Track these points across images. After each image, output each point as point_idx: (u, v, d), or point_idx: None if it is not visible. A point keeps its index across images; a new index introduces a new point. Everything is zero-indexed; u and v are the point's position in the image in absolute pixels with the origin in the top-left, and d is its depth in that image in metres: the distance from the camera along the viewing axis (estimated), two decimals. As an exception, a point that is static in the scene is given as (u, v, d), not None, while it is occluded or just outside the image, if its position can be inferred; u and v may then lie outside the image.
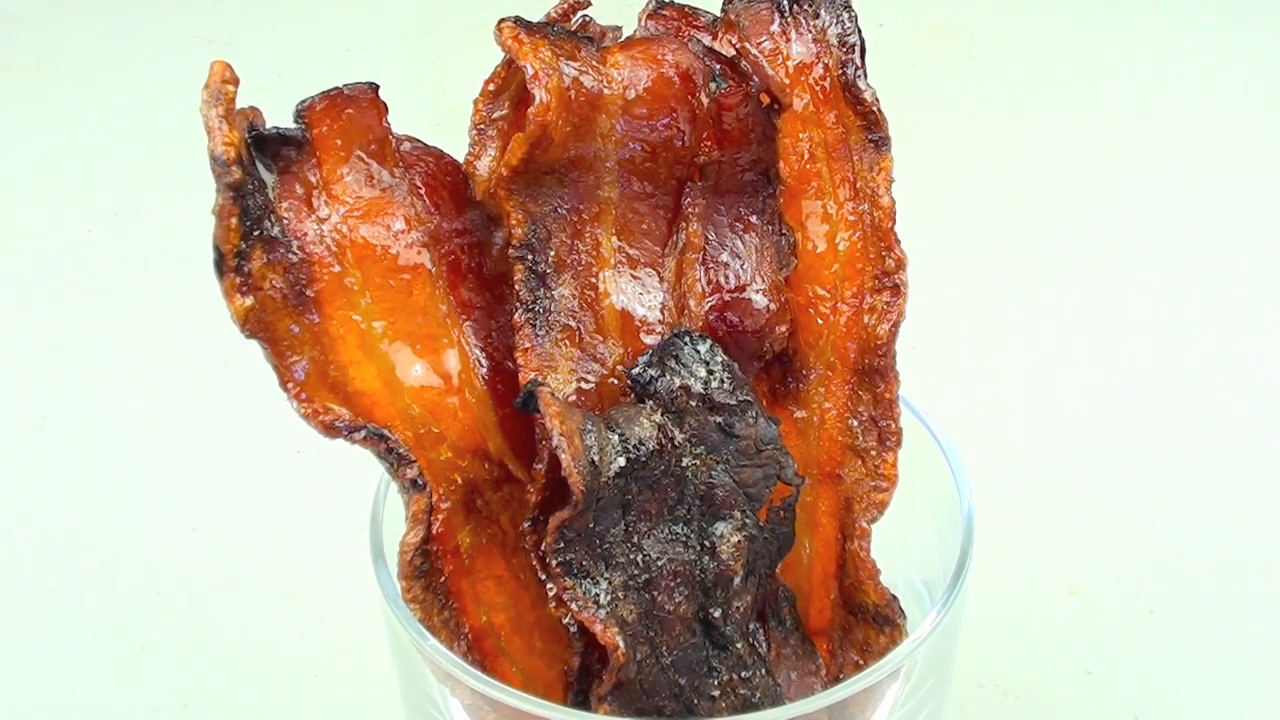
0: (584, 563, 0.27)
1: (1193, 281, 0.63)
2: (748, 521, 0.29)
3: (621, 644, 0.27)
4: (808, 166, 0.31)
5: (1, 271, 0.65)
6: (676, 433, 0.28)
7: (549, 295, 0.29)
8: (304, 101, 0.28)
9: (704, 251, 0.30)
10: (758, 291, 0.30)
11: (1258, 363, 0.58)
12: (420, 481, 0.28)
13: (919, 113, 0.74)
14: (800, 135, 0.31)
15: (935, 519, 0.33)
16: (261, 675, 0.45)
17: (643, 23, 0.31)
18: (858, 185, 0.31)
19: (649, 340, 0.30)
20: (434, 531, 0.29)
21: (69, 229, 0.68)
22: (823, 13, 0.31)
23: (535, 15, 0.29)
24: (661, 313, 0.30)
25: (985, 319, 0.61)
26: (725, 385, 0.29)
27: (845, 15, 0.31)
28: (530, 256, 0.29)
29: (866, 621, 0.33)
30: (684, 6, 0.32)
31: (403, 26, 0.86)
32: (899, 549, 0.34)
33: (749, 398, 0.29)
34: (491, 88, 0.30)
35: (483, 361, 0.30)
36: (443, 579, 0.29)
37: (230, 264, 0.26)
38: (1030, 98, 0.77)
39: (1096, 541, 0.49)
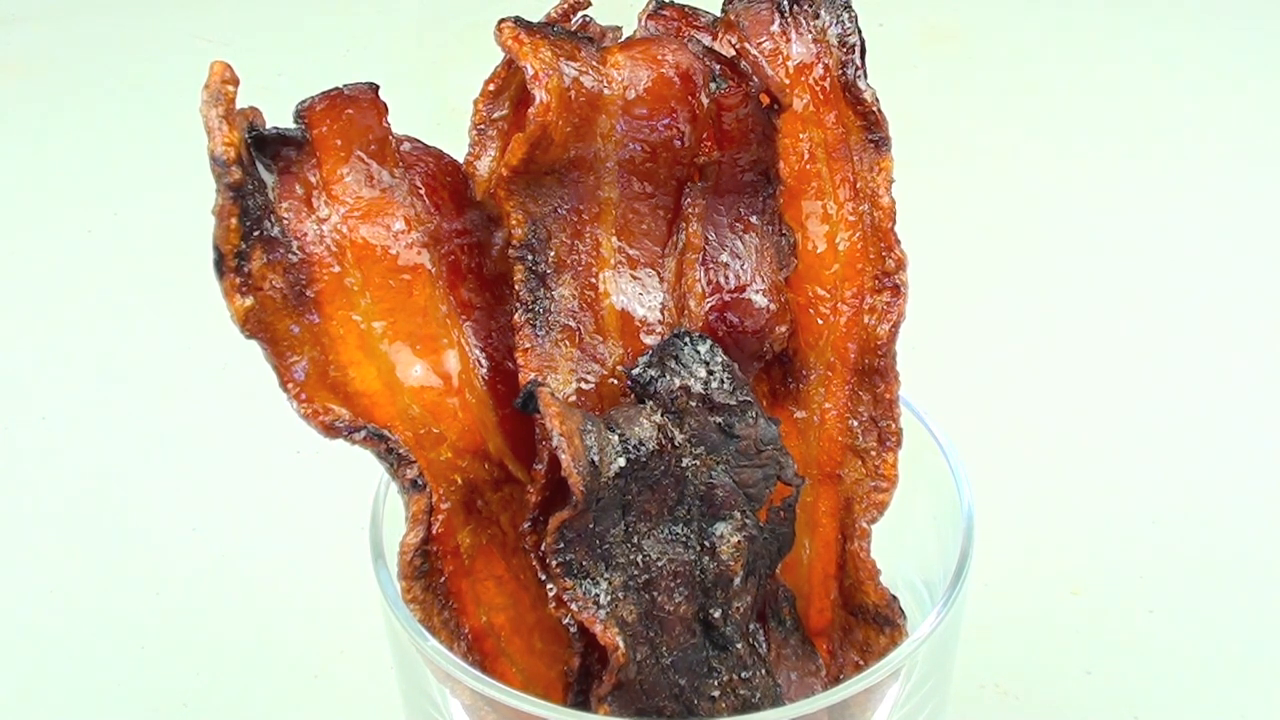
0: (584, 563, 0.27)
1: (1193, 281, 0.63)
2: (748, 522, 0.29)
3: (621, 644, 0.27)
4: (808, 166, 0.31)
5: (1, 271, 0.65)
6: (676, 433, 0.28)
7: (549, 295, 0.29)
8: (304, 101, 0.28)
9: (704, 252, 0.30)
10: (758, 292, 0.30)
11: (1258, 363, 0.58)
12: (420, 482, 0.28)
13: (919, 113, 0.74)
14: (800, 135, 0.31)
15: (935, 519, 0.33)
16: (261, 675, 0.45)
17: (643, 23, 0.31)
18: (858, 185, 0.31)
19: (649, 340, 0.30)
20: (434, 532, 0.29)
21: (69, 229, 0.68)
22: (823, 13, 0.31)
23: (535, 15, 0.29)
24: (661, 313, 0.30)
25: (985, 319, 0.61)
26: (725, 385, 0.29)
27: (845, 15, 0.31)
28: (530, 256, 0.29)
29: (866, 622, 0.33)
30: (684, 6, 0.32)
31: (403, 26, 0.86)
32: (899, 549, 0.34)
33: (749, 398, 0.29)
34: (491, 88, 0.30)
35: (483, 361, 0.30)
36: (443, 579, 0.29)
37: (230, 264, 0.26)
38: (1030, 98, 0.77)
39: (1096, 541, 0.49)
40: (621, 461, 0.27)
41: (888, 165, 0.31)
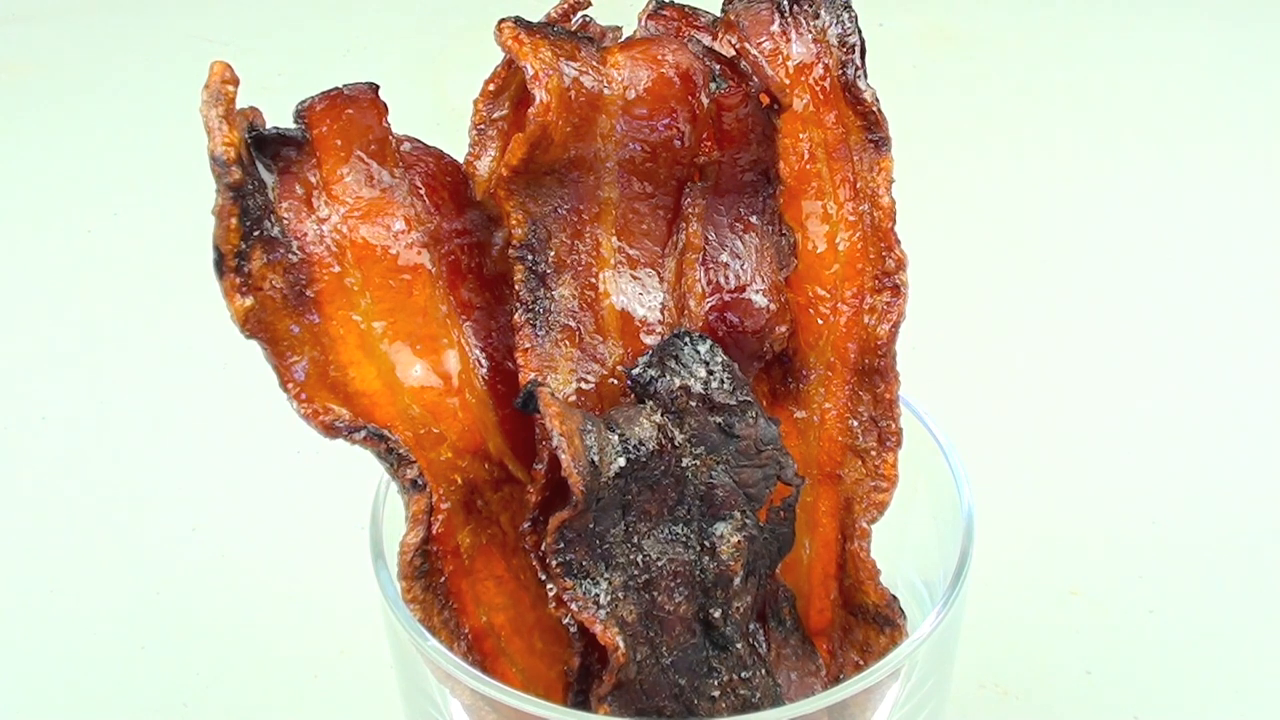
0: (584, 563, 0.27)
1: (1193, 281, 0.63)
2: (748, 522, 0.29)
3: (621, 644, 0.27)
4: (808, 166, 0.31)
5: (1, 271, 0.65)
6: (676, 433, 0.28)
7: (549, 295, 0.29)
8: (304, 101, 0.28)
9: (704, 252, 0.30)
10: (758, 292, 0.30)
11: (1258, 362, 0.58)
12: (420, 482, 0.28)
13: (919, 113, 0.74)
14: (800, 135, 0.31)
15: (935, 519, 0.33)
16: (261, 675, 0.45)
17: (643, 23, 0.31)
18: (858, 185, 0.31)
19: (649, 340, 0.30)
20: (434, 532, 0.29)
21: (69, 229, 0.68)
22: (823, 13, 0.31)
23: (535, 15, 0.29)
24: (661, 313, 0.30)
25: (985, 319, 0.61)
26: (725, 385, 0.29)
27: (845, 15, 0.31)
28: (530, 256, 0.29)
29: (866, 622, 0.33)
30: (684, 6, 0.32)
31: (403, 26, 0.86)
32: (899, 549, 0.34)
33: (749, 398, 0.29)
34: (491, 88, 0.30)
35: (483, 361, 0.30)
36: (443, 579, 0.29)
37: (230, 264, 0.26)
38: (1030, 97, 0.77)
39: (1096, 541, 0.49)
40: (621, 461, 0.27)
41: (888, 165, 0.31)
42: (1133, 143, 0.73)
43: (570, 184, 0.29)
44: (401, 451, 0.28)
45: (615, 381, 0.30)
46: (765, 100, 0.30)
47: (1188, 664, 0.45)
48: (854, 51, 0.31)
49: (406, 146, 0.29)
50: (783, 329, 0.31)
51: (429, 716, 0.31)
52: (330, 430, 0.27)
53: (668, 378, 0.28)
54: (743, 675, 0.29)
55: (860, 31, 0.31)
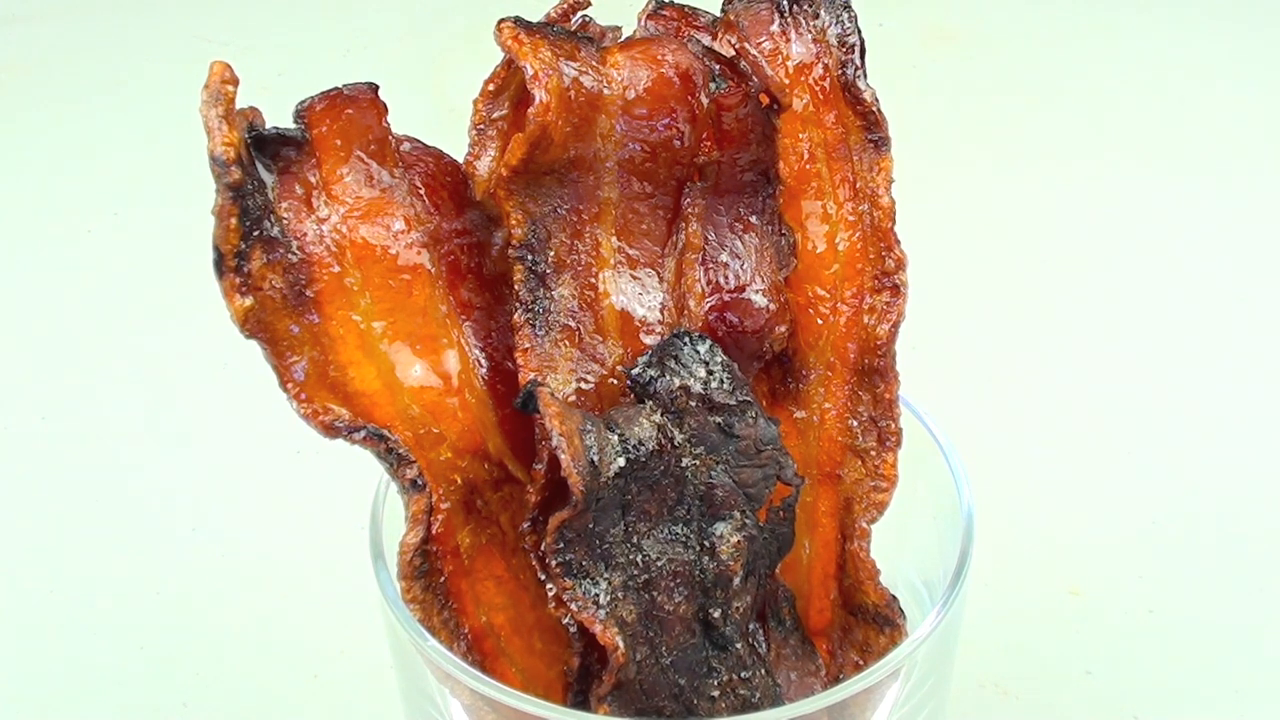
0: (584, 563, 0.27)
1: (1193, 281, 0.63)
2: (747, 522, 0.29)
3: (621, 644, 0.27)
4: (807, 166, 0.31)
5: (1, 271, 0.65)
6: (676, 433, 0.28)
7: (549, 295, 0.29)
8: (304, 101, 0.28)
9: (704, 252, 0.30)
10: (757, 292, 0.30)
11: (1258, 363, 0.58)
12: (420, 482, 0.28)
13: (919, 113, 0.74)
14: (800, 135, 0.31)
15: (935, 519, 0.33)
16: (261, 675, 0.45)
17: (642, 23, 0.31)
18: (857, 185, 0.31)
19: (649, 340, 0.30)
20: (434, 532, 0.29)
21: (69, 229, 0.68)
22: (822, 13, 0.31)
23: (535, 15, 0.29)
24: (661, 313, 0.30)
25: (985, 319, 0.61)
26: (725, 385, 0.29)
27: (845, 15, 0.31)
28: (530, 256, 0.29)
29: (866, 622, 0.33)
30: (684, 6, 0.32)
31: (403, 26, 0.86)
32: (899, 549, 0.34)
33: (749, 398, 0.29)
34: (491, 88, 0.30)
35: (483, 361, 0.30)
36: (442, 579, 0.29)
37: (230, 264, 0.26)
38: (1030, 98, 0.77)
39: (1096, 541, 0.49)
40: (621, 461, 0.27)
41: (887, 165, 0.31)
42: (1133, 142, 0.73)
43: (570, 184, 0.29)
44: (401, 451, 0.28)
45: (615, 381, 0.30)
46: (765, 100, 0.30)
47: (1188, 664, 0.45)
48: (854, 51, 0.31)
49: (406, 146, 0.29)
50: (782, 329, 0.31)
51: (429, 716, 0.31)
52: (330, 430, 0.27)
53: (667, 378, 0.28)
54: (742, 675, 0.29)
55: (860, 31, 0.31)
